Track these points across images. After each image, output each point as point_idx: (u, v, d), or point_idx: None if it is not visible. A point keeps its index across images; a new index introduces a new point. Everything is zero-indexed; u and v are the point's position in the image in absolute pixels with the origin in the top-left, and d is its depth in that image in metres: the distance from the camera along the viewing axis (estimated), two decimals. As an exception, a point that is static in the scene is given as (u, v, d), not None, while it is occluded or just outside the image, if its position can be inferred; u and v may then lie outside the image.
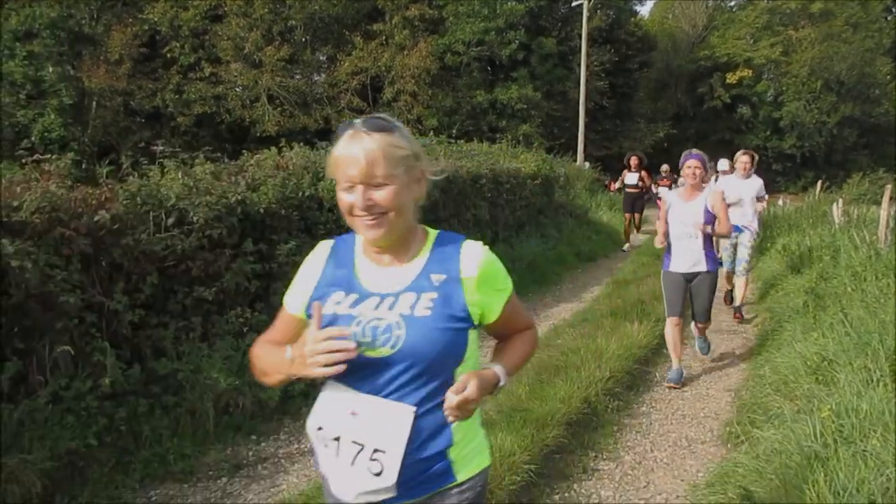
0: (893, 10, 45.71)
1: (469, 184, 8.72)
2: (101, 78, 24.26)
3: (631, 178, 13.09)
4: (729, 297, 8.13)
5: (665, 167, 14.72)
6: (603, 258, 12.16)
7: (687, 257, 5.31)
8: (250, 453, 4.12)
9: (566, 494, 3.66)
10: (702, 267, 5.30)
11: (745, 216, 7.62)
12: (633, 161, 13.13)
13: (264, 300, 5.15)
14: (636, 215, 13.68)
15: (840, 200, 11.95)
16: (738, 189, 7.67)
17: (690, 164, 5.24)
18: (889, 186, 8.44)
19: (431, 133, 14.42)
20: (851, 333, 4.65)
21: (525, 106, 29.39)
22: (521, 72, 30.04)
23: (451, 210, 8.11)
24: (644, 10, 67.75)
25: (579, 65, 28.16)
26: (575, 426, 4.30)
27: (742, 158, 7.94)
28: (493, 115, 29.88)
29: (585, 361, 5.22)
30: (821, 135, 39.69)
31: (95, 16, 25.49)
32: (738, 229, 7.26)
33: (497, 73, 31.29)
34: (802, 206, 15.14)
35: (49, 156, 4.16)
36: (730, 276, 7.96)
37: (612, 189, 16.11)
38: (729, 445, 4.17)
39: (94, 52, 24.93)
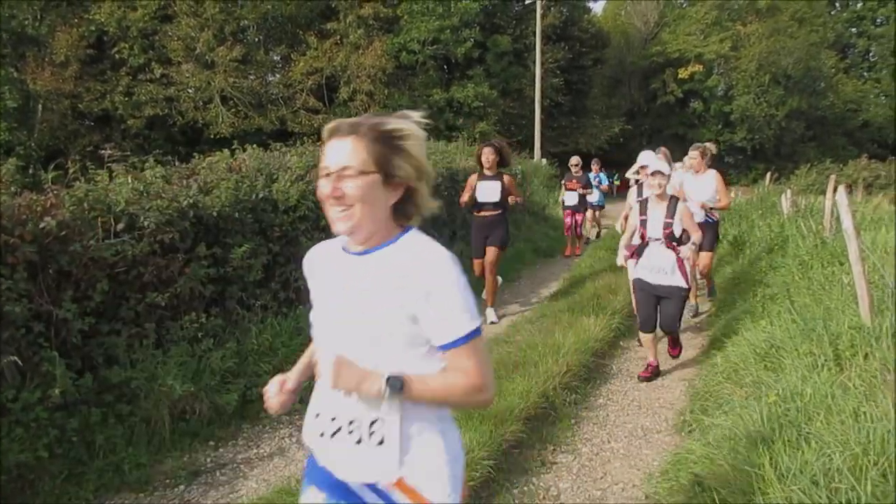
0: (837, 5, 47.28)
1: (426, 183, 8.69)
2: (46, 80, 23.67)
3: (486, 189, 6.98)
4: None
5: (575, 159, 12.21)
6: (560, 254, 12.28)
7: None
8: (208, 460, 4.08)
9: (525, 488, 3.71)
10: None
11: None
12: (489, 155, 6.95)
13: (220, 304, 5.10)
14: (495, 252, 7.12)
15: (789, 191, 12.28)
16: None
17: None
18: (833, 177, 8.73)
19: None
20: (798, 320, 4.79)
21: (481, 104, 29.57)
22: (477, 70, 30.20)
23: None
24: (597, 8, 68.75)
25: (534, 62, 28.38)
26: (533, 421, 4.35)
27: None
28: (449, 114, 29.94)
29: (543, 356, 5.28)
30: (770, 127, 40.78)
31: (39, 16, 24.80)
32: None
33: (453, 72, 31.39)
34: (753, 198, 15.55)
35: (-9, 162, 4.07)
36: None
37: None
38: (682, 434, 4.27)
39: (39, 54, 24.30)
